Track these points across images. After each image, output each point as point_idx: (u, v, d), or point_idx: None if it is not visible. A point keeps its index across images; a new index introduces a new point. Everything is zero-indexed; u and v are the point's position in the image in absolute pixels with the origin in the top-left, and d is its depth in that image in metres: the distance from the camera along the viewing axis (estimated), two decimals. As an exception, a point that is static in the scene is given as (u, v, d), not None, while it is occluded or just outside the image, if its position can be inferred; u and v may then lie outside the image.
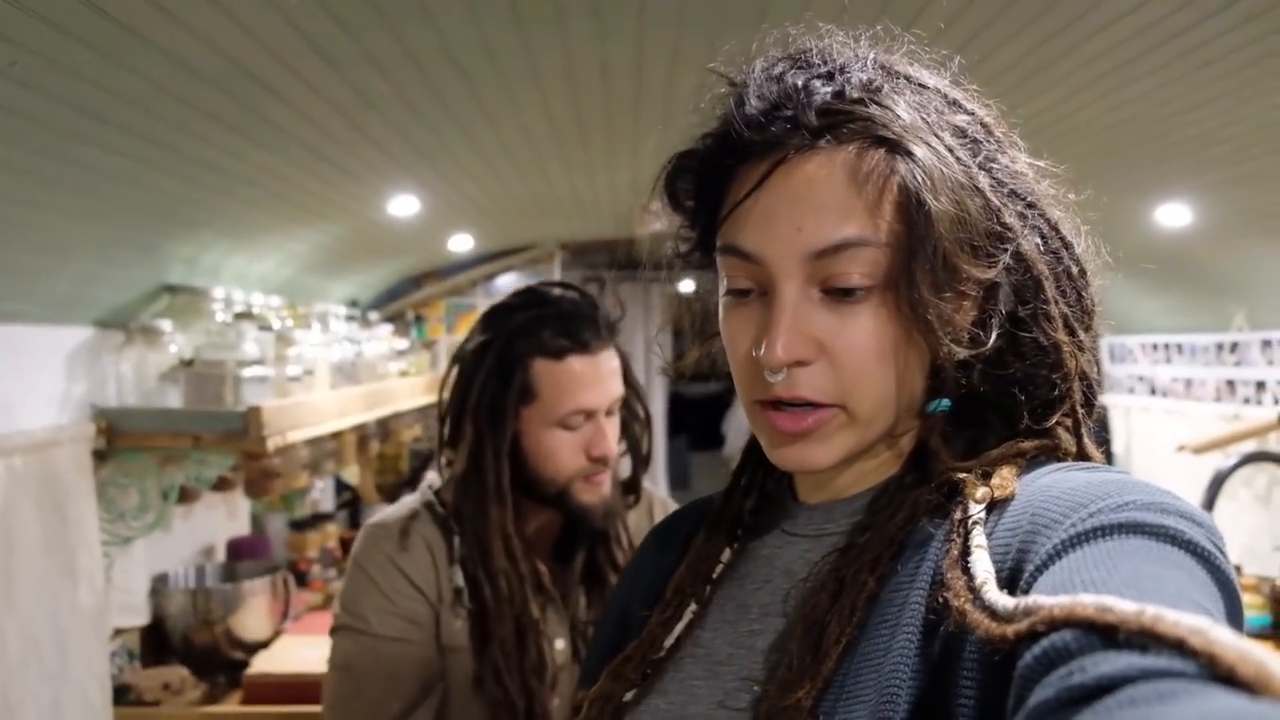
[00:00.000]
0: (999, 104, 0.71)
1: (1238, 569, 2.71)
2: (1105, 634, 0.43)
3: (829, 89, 0.65)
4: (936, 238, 0.62)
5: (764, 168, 0.65)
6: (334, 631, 1.35)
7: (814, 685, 0.62)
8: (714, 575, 0.77)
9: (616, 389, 1.37)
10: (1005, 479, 0.63)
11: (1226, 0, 1.25)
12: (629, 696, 0.75)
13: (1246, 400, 2.98)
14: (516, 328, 1.35)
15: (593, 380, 1.33)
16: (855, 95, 0.65)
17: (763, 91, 0.67)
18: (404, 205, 2.35)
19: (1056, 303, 0.67)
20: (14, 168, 1.36)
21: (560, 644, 1.38)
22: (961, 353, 0.65)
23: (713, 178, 0.70)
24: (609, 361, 1.36)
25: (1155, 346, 3.49)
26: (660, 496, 1.60)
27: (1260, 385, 2.91)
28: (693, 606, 0.77)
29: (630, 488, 1.49)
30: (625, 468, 1.50)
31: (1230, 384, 3.06)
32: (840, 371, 0.65)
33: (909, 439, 0.71)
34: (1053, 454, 0.67)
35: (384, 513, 1.42)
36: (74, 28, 1.04)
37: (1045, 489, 0.60)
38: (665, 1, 1.23)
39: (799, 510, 0.75)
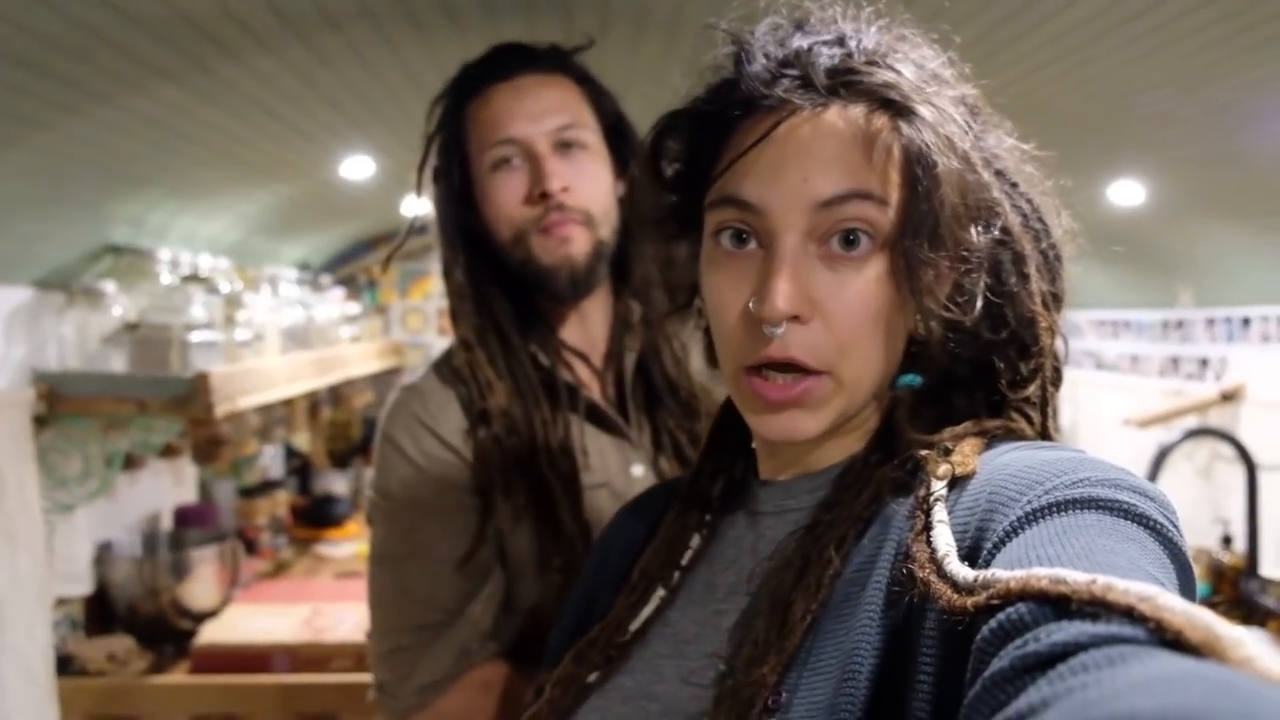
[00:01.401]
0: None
1: (1177, 541, 2.78)
2: (1059, 605, 0.45)
3: (837, 51, 0.66)
4: (942, 196, 0.63)
5: (771, 120, 0.66)
6: (368, 519, 1.20)
7: (778, 661, 0.63)
8: (682, 561, 0.77)
9: (553, 117, 1.14)
10: (966, 456, 0.64)
11: (1189, -19, 1.25)
12: (593, 678, 0.75)
13: (1190, 376, 3.05)
14: (451, 81, 1.20)
15: (515, 107, 1.13)
16: (863, 59, 0.66)
17: (769, 51, 0.67)
18: (358, 167, 2.31)
19: (1037, 279, 0.68)
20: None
21: (639, 470, 1.19)
22: (957, 316, 0.66)
23: (709, 135, 0.70)
24: (542, 86, 1.15)
25: (1103, 323, 3.55)
26: None
27: (1204, 362, 2.98)
28: (660, 591, 0.76)
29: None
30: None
31: (1175, 360, 3.12)
32: (833, 334, 0.66)
33: (874, 416, 0.72)
34: (1013, 433, 0.68)
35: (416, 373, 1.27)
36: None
37: (1003, 467, 0.61)
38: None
39: (761, 489, 0.76)
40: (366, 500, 1.22)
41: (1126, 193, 2.37)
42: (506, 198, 1.13)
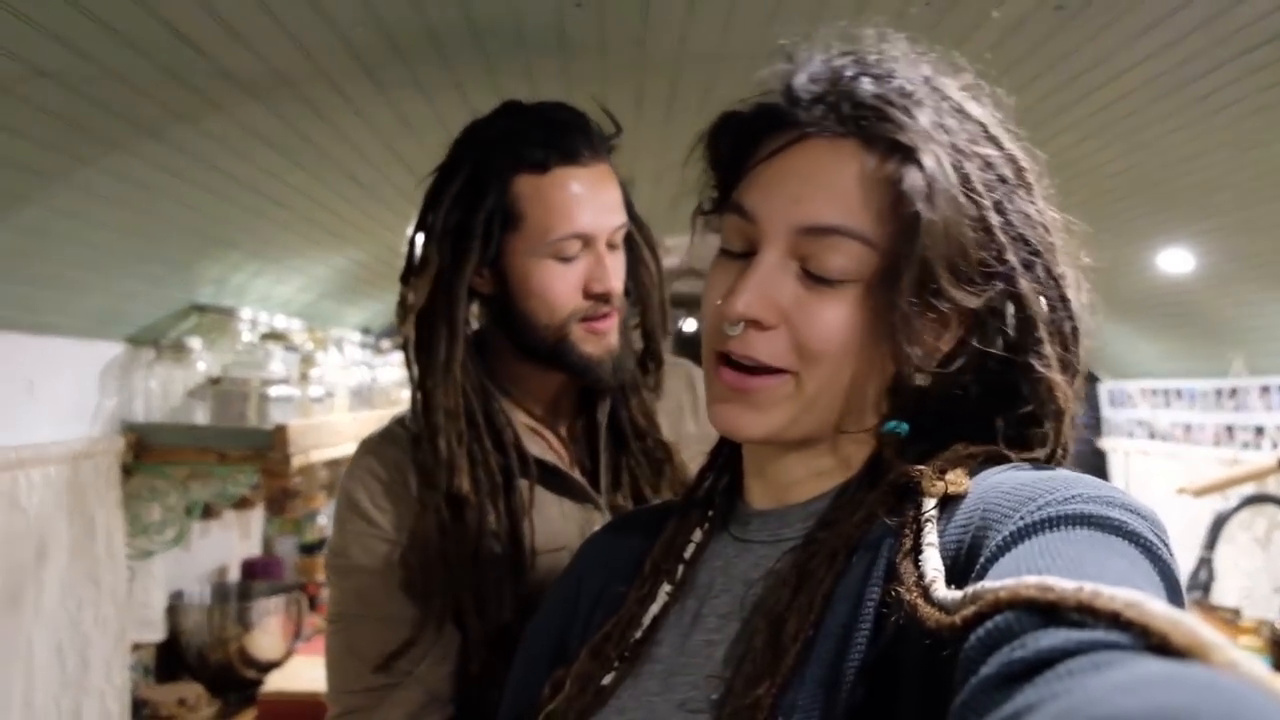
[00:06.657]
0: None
1: (1236, 613, 2.74)
2: (1046, 613, 0.45)
3: (872, 88, 0.67)
4: (921, 246, 0.63)
5: (786, 138, 0.68)
6: (326, 577, 1.18)
7: (774, 682, 0.63)
8: (685, 555, 0.79)
9: (616, 215, 1.14)
10: (959, 477, 0.65)
11: (1236, 52, 1.31)
12: (607, 679, 0.75)
13: (1245, 445, 3.02)
14: (492, 140, 1.14)
15: (589, 198, 1.12)
16: (892, 98, 0.67)
17: (814, 73, 0.69)
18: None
19: (1051, 345, 0.68)
20: (67, 180, 1.41)
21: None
22: (917, 367, 0.66)
23: (744, 141, 0.73)
24: (605, 179, 1.14)
25: (1155, 391, 3.54)
26: (696, 368, 1.33)
27: (1259, 430, 2.96)
28: (666, 586, 0.77)
29: (649, 355, 1.26)
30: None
31: (1229, 429, 3.10)
32: (799, 343, 0.67)
33: (860, 453, 0.72)
34: (1000, 459, 0.69)
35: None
36: (138, 39, 1.09)
37: (995, 485, 0.62)
38: (704, 42, 1.29)
39: (752, 517, 0.76)
40: (325, 557, 1.22)
41: (1176, 260, 2.40)
42: (564, 288, 1.12)
